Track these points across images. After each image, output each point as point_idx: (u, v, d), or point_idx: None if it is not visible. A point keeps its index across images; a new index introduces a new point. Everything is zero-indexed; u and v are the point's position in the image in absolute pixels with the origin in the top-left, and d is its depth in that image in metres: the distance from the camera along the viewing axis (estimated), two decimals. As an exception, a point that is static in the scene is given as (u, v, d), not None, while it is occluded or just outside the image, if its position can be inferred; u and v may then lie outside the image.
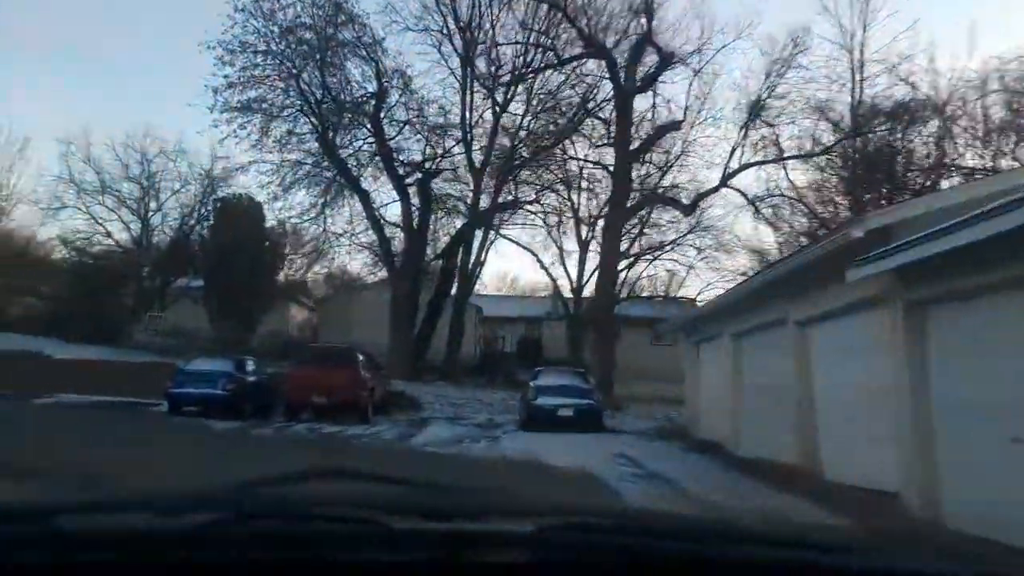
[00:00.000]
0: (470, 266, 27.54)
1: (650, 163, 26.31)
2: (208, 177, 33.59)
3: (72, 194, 32.93)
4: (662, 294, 34.83)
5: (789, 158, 25.47)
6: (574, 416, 16.21)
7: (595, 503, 4.17)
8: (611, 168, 25.47)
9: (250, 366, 18.28)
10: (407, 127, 25.99)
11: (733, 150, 25.54)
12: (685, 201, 26.60)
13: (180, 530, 1.09)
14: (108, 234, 33.31)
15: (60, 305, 28.15)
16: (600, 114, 26.19)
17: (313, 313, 46.10)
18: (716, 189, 25.92)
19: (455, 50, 26.26)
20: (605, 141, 25.83)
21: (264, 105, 24.07)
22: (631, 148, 24.57)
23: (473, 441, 14.62)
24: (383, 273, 29.15)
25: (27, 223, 37.12)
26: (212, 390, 16.58)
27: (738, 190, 26.23)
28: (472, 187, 26.73)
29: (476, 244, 27.79)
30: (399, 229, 26.70)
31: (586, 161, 27.57)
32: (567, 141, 26.67)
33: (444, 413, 20.75)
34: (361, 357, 17.85)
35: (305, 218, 25.99)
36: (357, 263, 26.57)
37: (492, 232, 28.91)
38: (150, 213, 34.31)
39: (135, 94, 66.93)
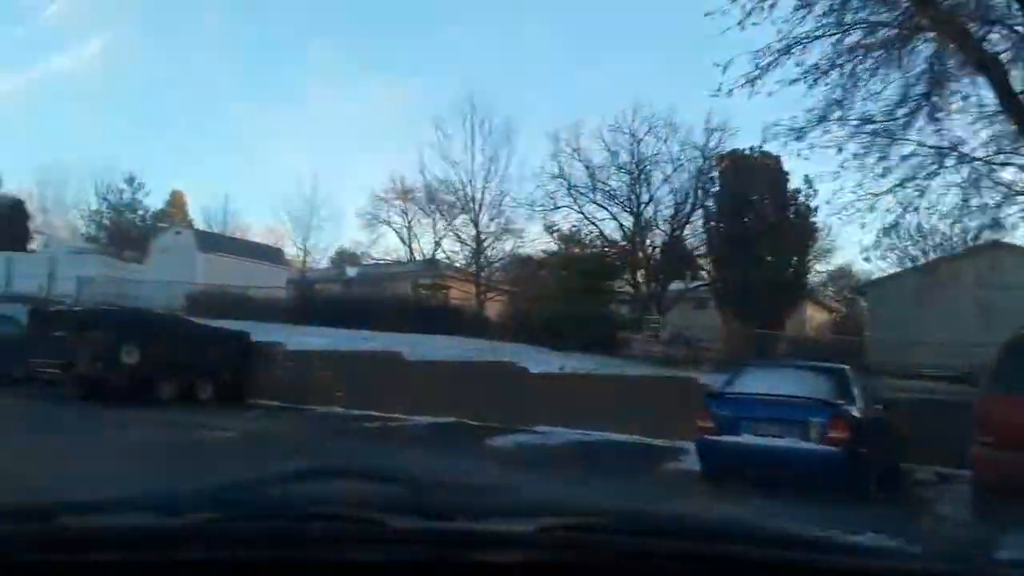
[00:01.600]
0: None
1: None
2: (703, 155, 27.29)
3: (564, 192, 29.20)
4: None
5: None
6: None
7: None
8: None
9: (855, 388, 8.89)
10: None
11: None
12: None
13: (179, 529, 1.10)
14: (601, 233, 28.98)
15: (545, 310, 23.42)
16: None
17: (841, 315, 35.51)
18: None
19: None
20: None
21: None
22: None
23: None
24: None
25: (516, 222, 33.49)
26: (797, 443, 7.65)
27: None
28: None
29: None
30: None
31: None
32: None
33: None
34: None
35: (877, 124, 15.19)
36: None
37: None
38: (641, 205, 28.60)
39: (626, 71, 60.41)
